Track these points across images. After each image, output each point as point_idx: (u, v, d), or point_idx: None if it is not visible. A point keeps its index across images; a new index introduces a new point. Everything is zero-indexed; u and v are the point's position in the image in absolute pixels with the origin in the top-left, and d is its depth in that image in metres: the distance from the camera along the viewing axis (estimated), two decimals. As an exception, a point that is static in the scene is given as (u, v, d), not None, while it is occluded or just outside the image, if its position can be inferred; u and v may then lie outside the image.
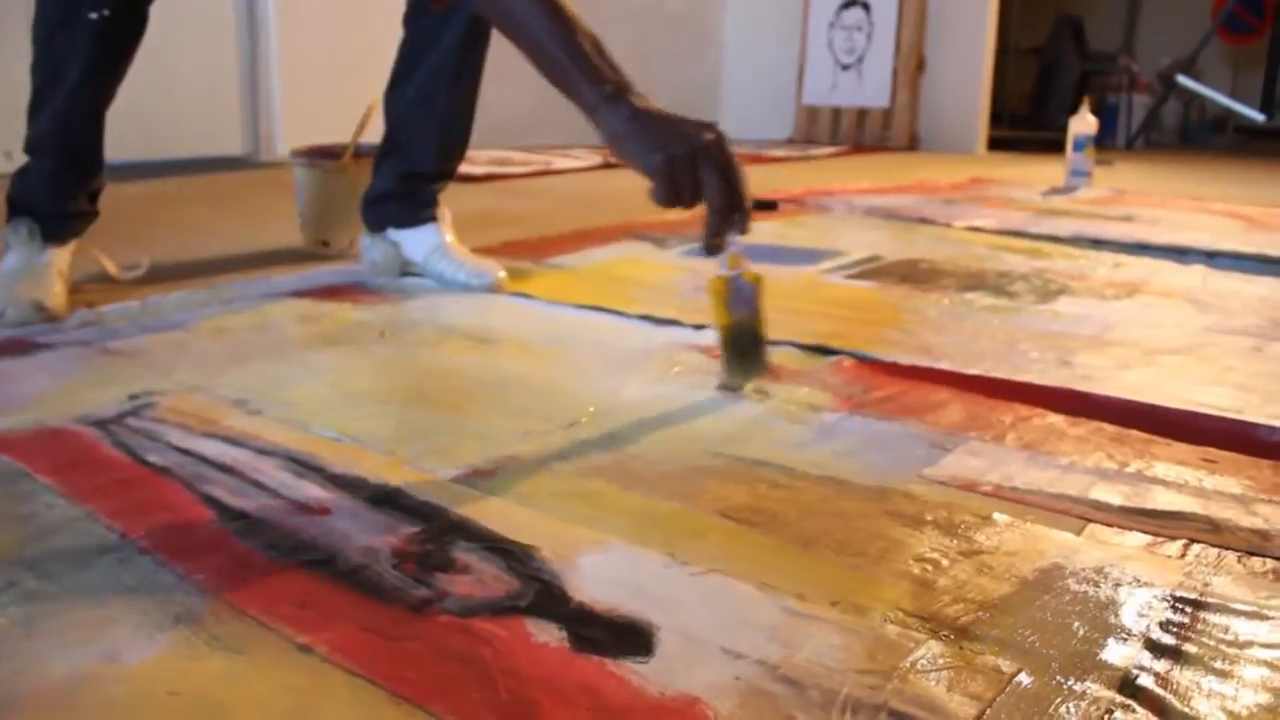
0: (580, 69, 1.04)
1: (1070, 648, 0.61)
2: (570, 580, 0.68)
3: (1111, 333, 1.41)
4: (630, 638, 0.61)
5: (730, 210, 1.01)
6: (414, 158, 1.65)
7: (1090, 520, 0.80)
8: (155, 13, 1.47)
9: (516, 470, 0.88)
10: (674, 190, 1.00)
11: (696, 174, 0.99)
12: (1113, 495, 0.85)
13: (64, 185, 1.48)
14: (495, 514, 0.78)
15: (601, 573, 0.69)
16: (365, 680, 0.57)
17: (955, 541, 0.76)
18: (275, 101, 3.76)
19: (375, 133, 1.87)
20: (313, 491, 0.82)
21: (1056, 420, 1.04)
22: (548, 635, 0.61)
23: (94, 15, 1.39)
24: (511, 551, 0.72)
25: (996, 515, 0.80)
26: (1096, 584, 0.69)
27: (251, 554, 0.71)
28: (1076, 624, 0.64)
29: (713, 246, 1.03)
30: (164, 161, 3.43)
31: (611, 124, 1.02)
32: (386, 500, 0.80)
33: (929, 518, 0.80)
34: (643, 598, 0.66)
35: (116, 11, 1.41)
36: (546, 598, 0.66)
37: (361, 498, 0.81)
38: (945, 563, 0.72)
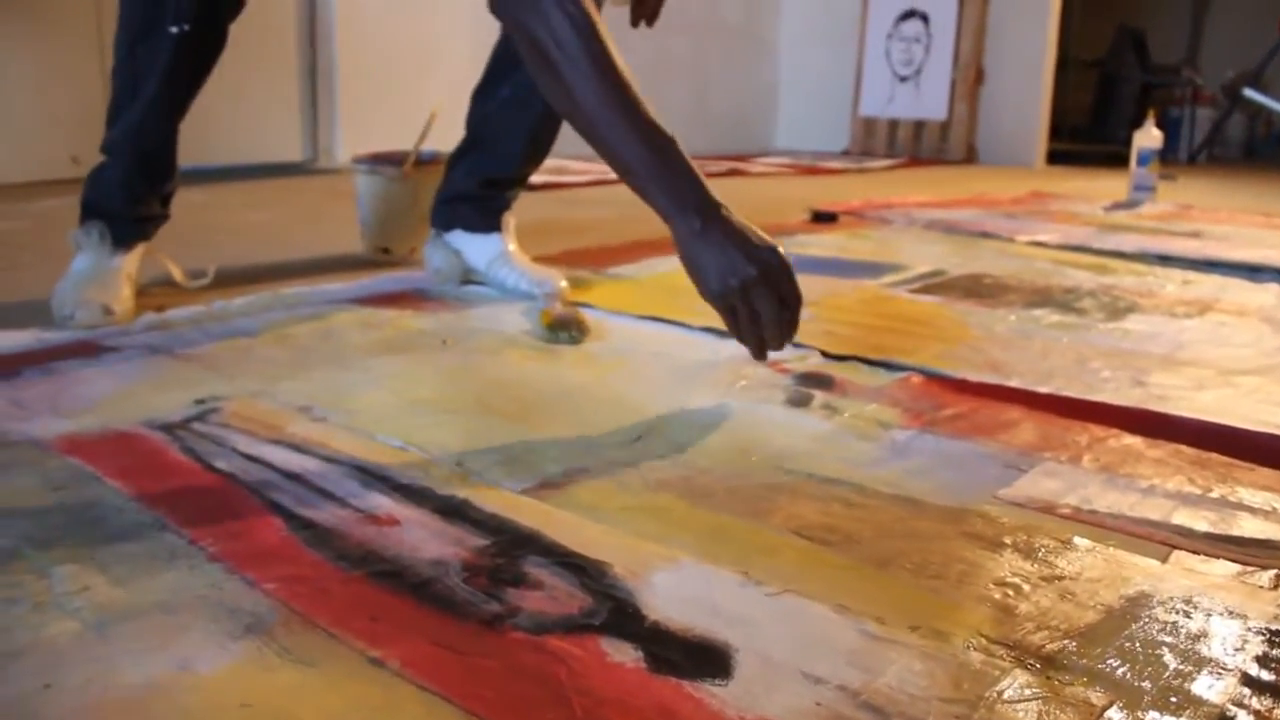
0: (659, 180, 1.07)
1: (1162, 681, 0.59)
2: (644, 598, 0.67)
3: (1184, 352, 1.37)
4: (707, 659, 0.60)
5: (778, 339, 1.07)
6: (498, 158, 1.64)
7: (1175, 547, 0.77)
8: (219, 20, 1.49)
9: (585, 484, 0.86)
10: (732, 322, 1.06)
11: (752, 305, 1.04)
12: (1197, 521, 0.82)
13: (137, 190, 1.50)
14: (565, 528, 0.77)
15: (675, 591, 0.68)
16: (438, 696, 0.56)
17: (1036, 566, 0.73)
18: (335, 109, 3.80)
19: (436, 140, 1.88)
20: (380, 501, 0.81)
21: (1133, 442, 1.01)
22: (623, 655, 0.60)
23: (175, 29, 1.40)
24: (583, 567, 0.71)
25: (1077, 539, 0.78)
26: (1187, 614, 0.67)
27: (320, 564, 0.70)
28: (1168, 656, 0.62)
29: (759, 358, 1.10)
30: (225, 167, 3.47)
31: (685, 237, 1.07)
32: (455, 512, 0.80)
33: (1007, 540, 0.78)
34: (718, 617, 0.64)
35: (197, 26, 1.42)
36: (621, 616, 0.64)
37: (429, 509, 0.80)
38: (1026, 588, 0.70)
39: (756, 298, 1.04)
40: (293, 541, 0.74)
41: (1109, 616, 0.66)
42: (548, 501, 0.82)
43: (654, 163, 1.07)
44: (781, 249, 1.06)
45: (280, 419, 1.00)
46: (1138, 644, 0.63)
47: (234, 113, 3.49)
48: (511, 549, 0.73)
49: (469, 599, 0.66)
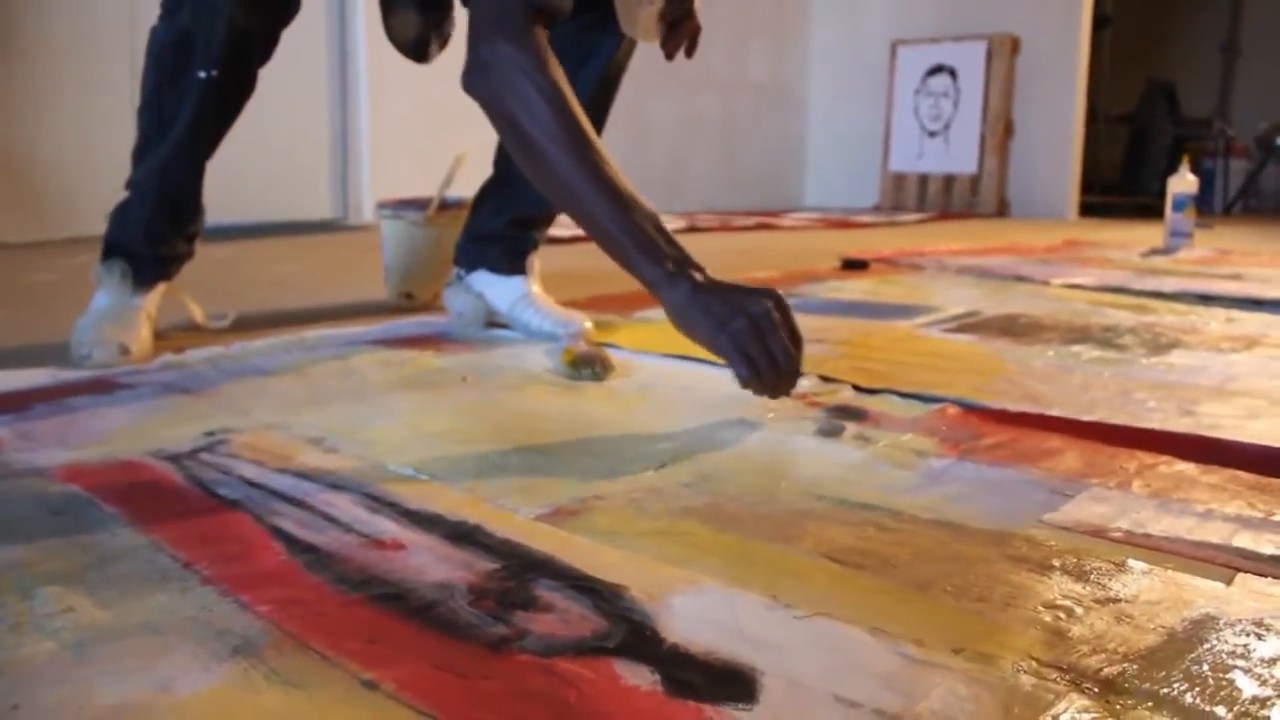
0: (639, 249, 1.07)
1: (1239, 707, 0.53)
2: (662, 620, 0.62)
3: (1234, 384, 1.31)
4: (730, 682, 0.55)
5: (793, 372, 1.05)
6: (528, 197, 1.59)
7: (1239, 570, 0.72)
8: (250, 79, 1.48)
9: (604, 510, 0.82)
10: (750, 365, 1.02)
11: (764, 342, 1.02)
12: (1262, 544, 0.76)
13: (161, 231, 1.48)
14: (581, 552, 0.73)
15: (696, 613, 0.63)
16: (436, 720, 0.51)
17: (1088, 588, 0.68)
18: (364, 167, 3.82)
19: (461, 187, 1.86)
20: (387, 527, 0.77)
21: (1185, 468, 0.95)
22: (639, 678, 0.55)
23: (203, 74, 1.39)
24: (598, 590, 0.66)
25: (1131, 562, 0.72)
26: (1259, 637, 0.61)
27: (319, 587, 0.66)
28: (1242, 680, 0.56)
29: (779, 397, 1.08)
30: (255, 224, 3.49)
31: (674, 301, 1.06)
32: (464, 537, 0.75)
33: (1056, 563, 0.72)
34: (743, 641, 0.59)
35: (225, 72, 1.41)
36: (637, 638, 0.60)
37: (438, 534, 0.76)
38: (1079, 610, 0.65)
39: (767, 332, 1.02)
40: (292, 565, 0.69)
41: (1171, 640, 0.61)
42: (563, 527, 0.78)
43: (636, 234, 1.07)
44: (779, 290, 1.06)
45: (290, 449, 0.97)
46: (1206, 668, 0.57)
47: (265, 170, 3.51)
48: (522, 572, 0.69)
49: (474, 621, 0.61)
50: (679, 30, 1.38)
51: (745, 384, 1.04)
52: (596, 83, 1.53)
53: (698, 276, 1.06)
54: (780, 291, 1.07)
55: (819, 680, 0.55)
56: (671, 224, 4.21)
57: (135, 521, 0.76)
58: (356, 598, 0.64)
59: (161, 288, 1.51)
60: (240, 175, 3.27)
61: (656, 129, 5.00)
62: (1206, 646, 0.60)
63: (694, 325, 1.05)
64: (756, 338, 1.02)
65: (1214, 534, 0.78)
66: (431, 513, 0.80)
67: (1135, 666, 0.57)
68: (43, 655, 0.56)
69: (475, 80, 1.15)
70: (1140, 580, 0.69)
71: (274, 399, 1.18)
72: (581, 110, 1.13)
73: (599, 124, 1.56)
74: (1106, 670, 0.57)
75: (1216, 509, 0.84)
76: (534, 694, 0.53)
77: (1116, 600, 0.66)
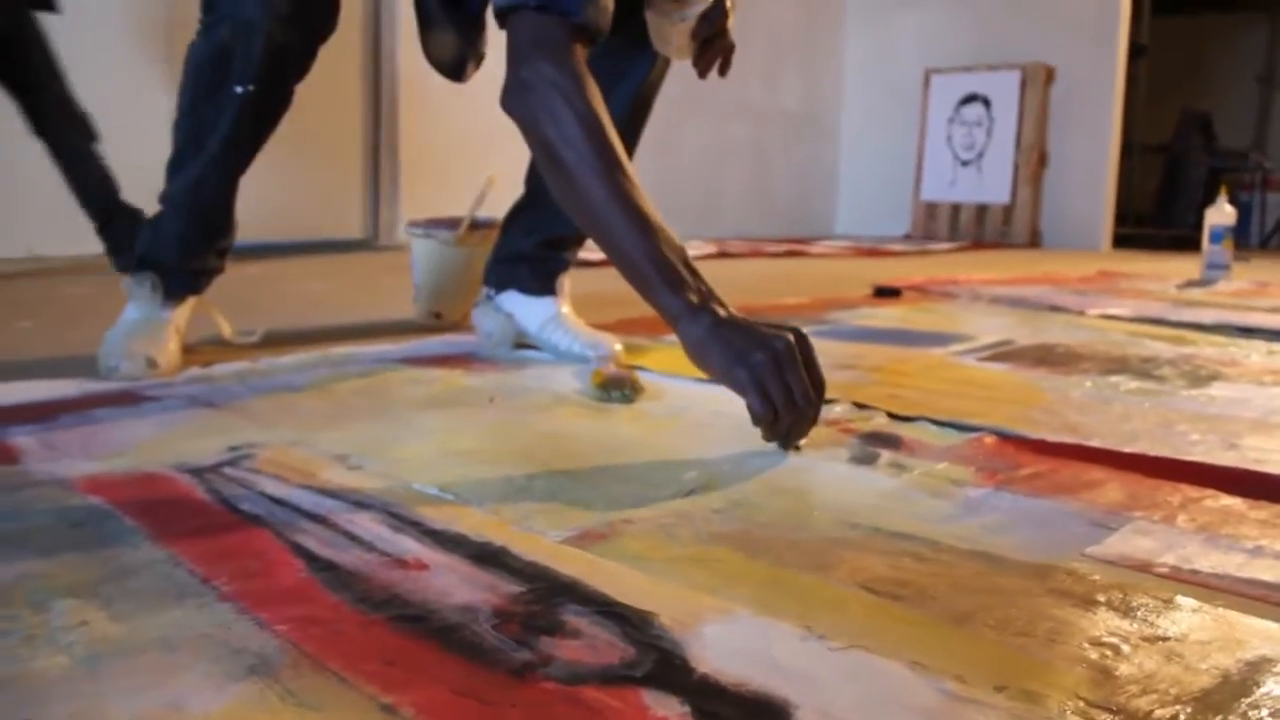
0: (663, 279, 1.05)
1: (1298, 753, 0.50)
2: (693, 650, 0.60)
3: (1277, 416, 1.28)
4: (763, 715, 0.52)
5: (811, 418, 1.03)
6: (558, 216, 1.57)
7: (1293, 610, 0.69)
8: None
9: (632, 534, 0.80)
10: (766, 400, 1.00)
11: (784, 379, 0.99)
12: (1315, 584, 0.73)
13: (193, 245, 1.48)
14: (609, 577, 0.71)
15: (728, 643, 0.61)
16: (457, 749, 0.49)
17: (1135, 625, 0.65)
18: (397, 189, 3.83)
19: (492, 208, 1.85)
20: (410, 546, 0.75)
21: (1232, 502, 0.92)
22: (667, 709, 0.53)
23: (240, 90, 1.39)
24: (626, 617, 0.64)
25: (1180, 598, 0.70)
26: (1319, 680, 0.58)
27: (339, 606, 0.64)
28: (1302, 725, 0.53)
29: (792, 446, 1.05)
30: (286, 243, 3.50)
31: (693, 334, 1.04)
32: (490, 559, 0.73)
33: (1100, 598, 0.69)
34: (776, 672, 0.57)
35: (262, 86, 1.41)
36: (666, 667, 0.57)
37: (462, 555, 0.74)
38: (1126, 648, 0.62)
39: (787, 368, 1.00)
40: (312, 583, 0.68)
41: (1226, 682, 0.58)
42: (591, 551, 0.76)
43: (662, 265, 1.06)
44: (805, 330, 1.04)
45: (314, 466, 0.95)
46: (1265, 713, 0.54)
47: (298, 191, 3.53)
48: (548, 597, 0.67)
49: (498, 646, 0.59)
50: (712, 48, 1.37)
51: (758, 421, 1.02)
52: (630, 103, 1.52)
53: (720, 311, 1.05)
54: (807, 330, 1.05)
55: (855, 715, 0.53)
56: (702, 250, 4.21)
57: (155, 535, 0.75)
58: (377, 618, 0.63)
59: (191, 302, 1.51)
60: (272, 195, 3.29)
61: (689, 156, 4.99)
62: (1264, 690, 0.57)
63: (711, 358, 1.03)
64: (775, 373, 0.99)
65: (1265, 572, 0.75)
66: (456, 533, 0.78)
67: (1189, 709, 0.54)
68: (55, 669, 0.55)
69: (514, 101, 1.14)
70: (1190, 618, 0.67)
71: (299, 415, 1.16)
72: (616, 136, 1.12)
73: (632, 144, 1.55)
74: (1159, 712, 0.54)
75: (1266, 545, 0.81)
76: (558, 723, 0.51)
77: (1166, 639, 0.63)
